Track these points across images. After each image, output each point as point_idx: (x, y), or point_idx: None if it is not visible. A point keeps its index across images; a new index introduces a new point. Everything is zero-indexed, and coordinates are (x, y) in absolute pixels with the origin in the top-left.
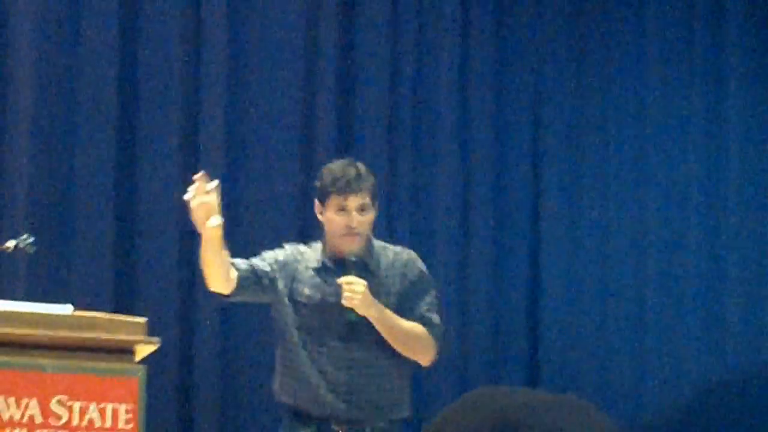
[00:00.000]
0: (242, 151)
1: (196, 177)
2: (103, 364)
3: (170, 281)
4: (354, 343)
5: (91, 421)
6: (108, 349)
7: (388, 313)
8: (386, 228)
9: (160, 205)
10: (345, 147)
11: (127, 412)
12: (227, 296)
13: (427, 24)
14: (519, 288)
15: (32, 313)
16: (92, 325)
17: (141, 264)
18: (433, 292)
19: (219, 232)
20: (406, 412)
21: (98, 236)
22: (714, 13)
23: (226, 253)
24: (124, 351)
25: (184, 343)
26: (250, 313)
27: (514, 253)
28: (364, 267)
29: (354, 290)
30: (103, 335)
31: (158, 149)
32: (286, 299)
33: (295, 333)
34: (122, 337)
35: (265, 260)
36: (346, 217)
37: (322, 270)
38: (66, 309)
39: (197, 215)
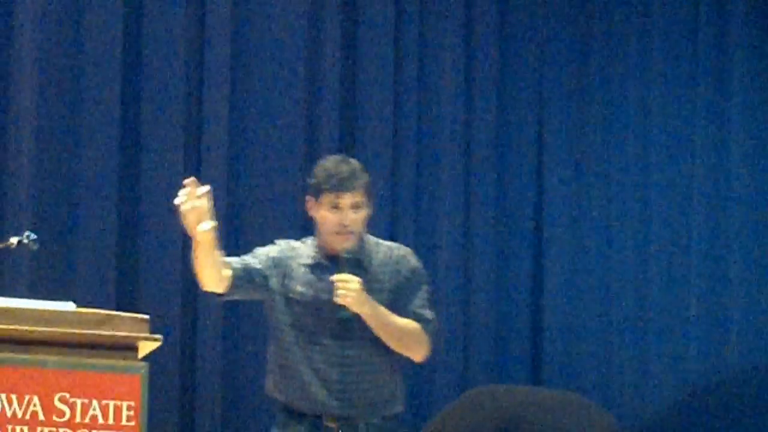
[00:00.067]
0: (245, 152)
1: (186, 182)
2: (105, 361)
3: (172, 279)
4: (347, 340)
5: (93, 418)
6: (110, 346)
7: (382, 310)
8: (389, 228)
9: (162, 203)
10: (348, 147)
11: (129, 409)
12: (221, 295)
13: (430, 25)
14: (522, 287)
15: (35, 310)
16: (95, 322)
17: (143, 261)
18: (427, 288)
19: (211, 236)
20: (399, 408)
21: (101, 234)
22: (717, 15)
23: (219, 253)
24: (127, 348)
25: (186, 340)
26: (252, 311)
27: (517, 253)
28: (357, 264)
29: (348, 287)
30: (106, 332)
31: (161, 148)
32: (278, 296)
33: (288, 330)
34: (125, 334)
35: (258, 257)
36: (340, 215)
37: (315, 267)
38: (68, 306)
39: (188, 220)
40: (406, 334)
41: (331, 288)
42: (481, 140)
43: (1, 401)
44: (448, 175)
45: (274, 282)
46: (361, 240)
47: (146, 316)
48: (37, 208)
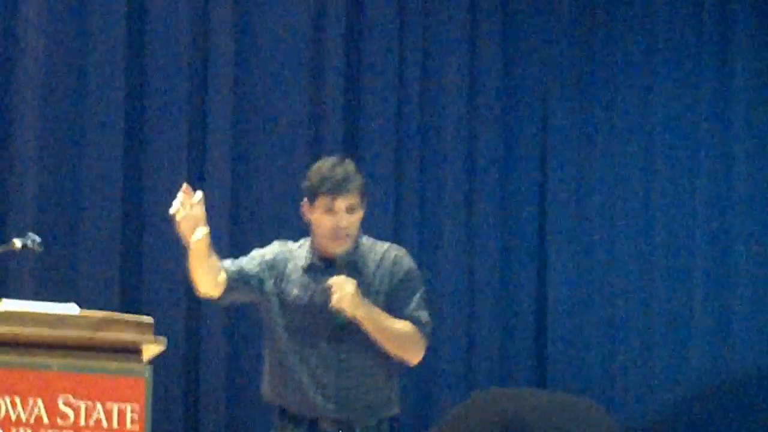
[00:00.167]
0: (249, 155)
1: (181, 190)
2: (109, 364)
3: (176, 281)
4: (343, 344)
5: (97, 421)
6: (114, 349)
7: (377, 313)
8: (393, 229)
9: (166, 206)
10: (352, 150)
11: (133, 412)
12: (217, 300)
13: (434, 28)
14: (526, 289)
15: (39, 313)
16: (99, 324)
17: (147, 264)
18: (422, 289)
19: (206, 243)
20: (395, 410)
21: (105, 236)
22: (721, 15)
23: (214, 258)
24: (131, 351)
25: (190, 343)
26: (255, 313)
27: (521, 255)
28: (352, 266)
29: (343, 291)
30: (110, 335)
31: (165, 150)
32: (274, 299)
33: (284, 333)
34: (129, 337)
35: (254, 260)
36: (335, 218)
37: (310, 269)
38: (72, 309)
39: (183, 228)
40: (401, 337)
41: (326, 291)
42: (484, 141)
43: (6, 404)
44: (451, 177)
45: (269, 285)
46: (357, 242)
47: (150, 319)
48: (41, 211)
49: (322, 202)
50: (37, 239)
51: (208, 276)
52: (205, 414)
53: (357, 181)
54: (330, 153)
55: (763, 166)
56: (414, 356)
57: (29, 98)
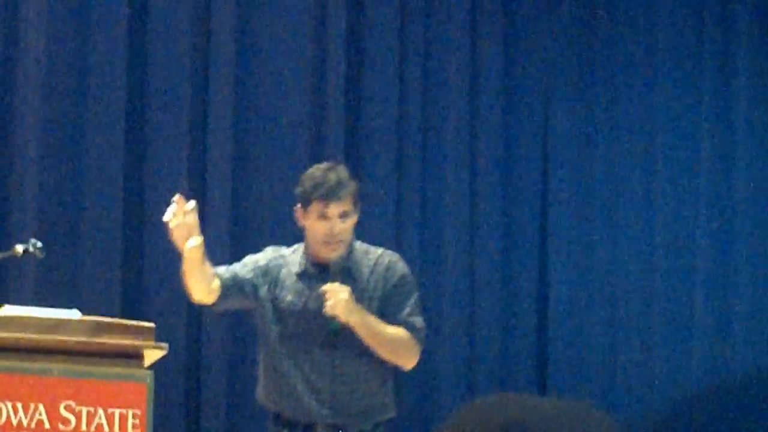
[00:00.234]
0: (250, 155)
1: (174, 199)
2: (111, 370)
3: (178, 287)
4: (337, 350)
5: (98, 427)
6: (116, 354)
7: (371, 319)
8: (394, 231)
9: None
10: (353, 150)
11: (134, 417)
12: (211, 306)
13: (435, 28)
14: (527, 289)
15: (40, 318)
16: (100, 330)
17: (149, 269)
18: (416, 294)
19: (200, 252)
20: (391, 413)
21: (106, 241)
22: (721, 14)
23: (208, 265)
24: (133, 356)
25: (191, 348)
26: (255, 319)
27: (523, 255)
28: (346, 272)
29: (337, 297)
30: (111, 340)
31: (167, 155)
32: (268, 305)
33: (278, 339)
34: (130, 342)
35: (247, 266)
36: (328, 224)
37: (304, 275)
38: (74, 314)
39: (177, 236)
40: (395, 343)
41: (320, 297)
42: (485, 141)
43: (7, 409)
44: (452, 177)
45: (263, 291)
46: (350, 248)
47: (152, 324)
48: (43, 216)
49: (315, 207)
50: (39, 244)
51: (202, 283)
52: (206, 419)
53: (350, 187)
54: (331, 153)
55: (764, 166)
56: (408, 362)
57: (30, 104)
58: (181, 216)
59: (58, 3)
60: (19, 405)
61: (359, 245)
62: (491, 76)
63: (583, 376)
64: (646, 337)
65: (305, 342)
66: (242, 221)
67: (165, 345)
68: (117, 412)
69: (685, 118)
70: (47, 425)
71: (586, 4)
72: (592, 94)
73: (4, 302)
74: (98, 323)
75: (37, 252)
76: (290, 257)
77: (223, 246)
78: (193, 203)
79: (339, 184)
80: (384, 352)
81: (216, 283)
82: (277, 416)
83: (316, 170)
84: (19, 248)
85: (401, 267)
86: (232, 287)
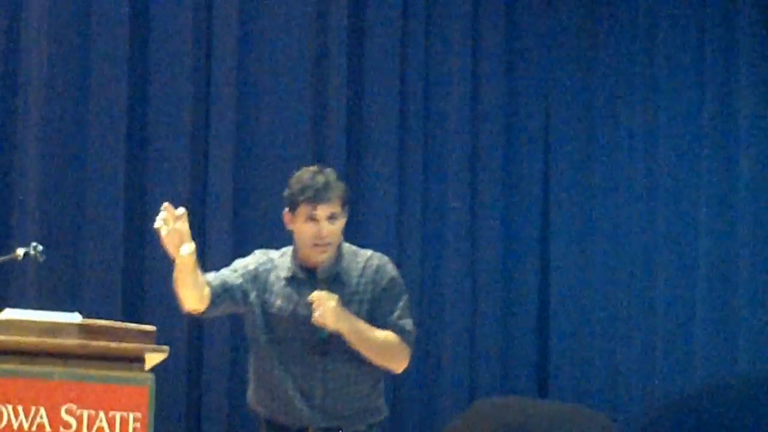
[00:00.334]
0: (252, 156)
1: (163, 206)
2: (112, 373)
3: None
4: (327, 355)
5: (100, 430)
6: (117, 357)
7: (360, 325)
8: (396, 232)
9: None
10: (355, 150)
11: (135, 420)
12: (201, 314)
13: (437, 28)
14: (529, 289)
15: (41, 322)
16: (101, 333)
17: (150, 273)
18: (405, 297)
19: (192, 259)
20: (383, 415)
21: (107, 245)
22: (724, 15)
23: (199, 273)
24: (134, 360)
25: (192, 351)
26: None
27: (524, 255)
28: (335, 278)
29: (325, 306)
30: (113, 344)
31: (168, 157)
32: (258, 310)
33: (268, 344)
34: (132, 345)
35: (237, 271)
36: (316, 227)
37: (293, 280)
38: (75, 317)
39: (168, 243)
40: (385, 347)
41: (309, 303)
42: (487, 141)
43: (8, 413)
44: (454, 177)
45: (252, 296)
46: (339, 251)
47: (153, 328)
48: (44, 220)
49: (303, 210)
50: (40, 248)
51: (194, 291)
52: (207, 422)
53: (338, 189)
54: (332, 153)
55: (764, 166)
56: (398, 365)
57: (31, 107)
58: (171, 223)
59: (60, 3)
60: (20, 408)
61: (348, 248)
62: (492, 76)
63: (583, 377)
64: (648, 337)
65: (295, 347)
66: (243, 222)
67: (166, 348)
68: (118, 415)
69: (686, 118)
70: (48, 428)
71: (587, 4)
72: (593, 95)
73: (5, 305)
74: (99, 326)
75: (38, 255)
76: (279, 261)
77: (225, 247)
78: (182, 210)
79: (326, 185)
80: (374, 357)
81: (206, 291)
82: (269, 421)
83: (304, 173)
84: (20, 252)
85: (390, 269)
86: (222, 294)
